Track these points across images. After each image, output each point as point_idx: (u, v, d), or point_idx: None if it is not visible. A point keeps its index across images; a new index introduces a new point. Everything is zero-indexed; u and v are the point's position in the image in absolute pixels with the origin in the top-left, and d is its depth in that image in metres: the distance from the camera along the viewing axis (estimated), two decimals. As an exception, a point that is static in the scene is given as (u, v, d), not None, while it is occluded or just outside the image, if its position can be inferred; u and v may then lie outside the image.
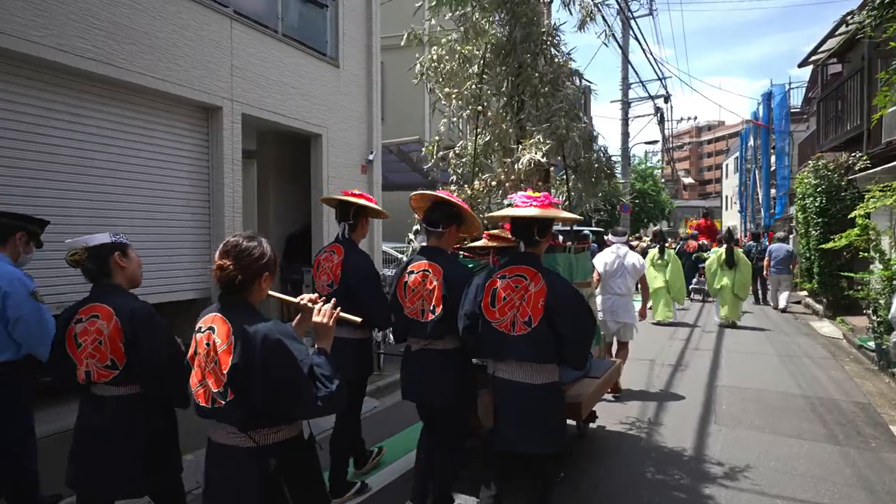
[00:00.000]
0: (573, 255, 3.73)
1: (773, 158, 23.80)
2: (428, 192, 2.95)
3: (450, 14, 4.08)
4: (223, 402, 1.71)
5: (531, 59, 3.96)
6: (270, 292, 1.94)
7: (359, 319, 2.07)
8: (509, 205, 2.79)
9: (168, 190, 5.35)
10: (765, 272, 11.96)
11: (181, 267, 5.52)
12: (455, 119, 4.36)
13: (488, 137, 4.07)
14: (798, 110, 22.97)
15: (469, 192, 3.92)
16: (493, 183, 3.95)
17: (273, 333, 1.71)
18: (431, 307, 2.74)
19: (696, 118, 47.82)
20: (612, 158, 4.62)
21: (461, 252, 3.65)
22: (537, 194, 2.64)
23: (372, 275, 3.19)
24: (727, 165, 45.24)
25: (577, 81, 4.24)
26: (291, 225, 7.63)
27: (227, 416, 1.74)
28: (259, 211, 7.74)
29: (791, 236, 14.73)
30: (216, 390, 1.72)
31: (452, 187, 4.03)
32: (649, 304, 8.06)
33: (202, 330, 1.80)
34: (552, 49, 4.09)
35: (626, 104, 20.11)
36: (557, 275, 2.59)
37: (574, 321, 2.43)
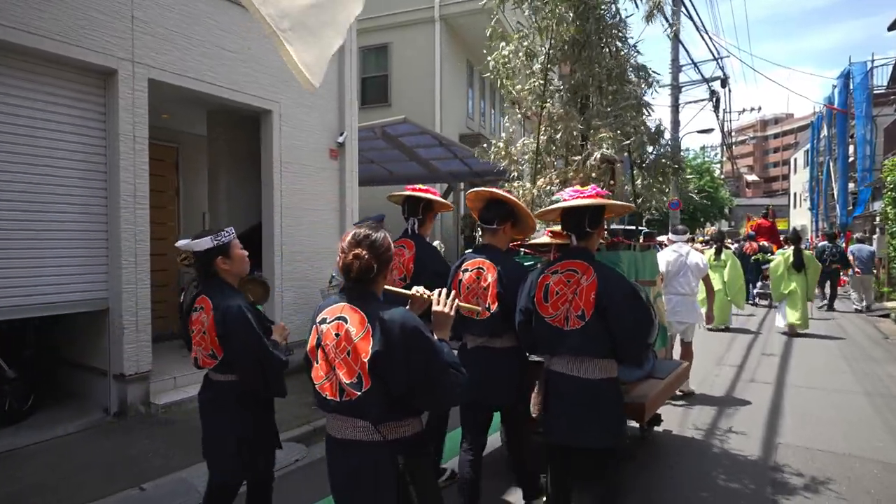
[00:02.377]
0: (638, 252, 3.61)
1: (851, 148, 20.94)
2: (483, 189, 2.95)
3: (526, 8, 4.01)
4: (357, 393, 1.68)
5: (598, 53, 3.92)
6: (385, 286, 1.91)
7: (479, 308, 2.44)
8: (556, 201, 2.73)
9: (47, 175, 4.23)
10: (855, 272, 11.63)
11: (68, 272, 4.38)
12: (520, 116, 4.32)
13: (555, 134, 3.97)
14: (883, 91, 20.00)
15: (534, 191, 3.89)
16: (558, 181, 3.88)
17: (410, 320, 1.70)
18: (486, 304, 2.73)
19: (759, 108, 43.96)
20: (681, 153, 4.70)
21: (522, 249, 3.61)
22: (585, 188, 2.64)
23: (445, 270, 3.11)
24: (796, 159, 41.45)
25: (644, 76, 4.12)
26: (248, 221, 6.42)
27: (361, 409, 1.70)
28: (210, 205, 6.58)
29: (875, 237, 12.80)
30: (348, 381, 1.69)
31: (515, 184, 4.03)
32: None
33: (327, 321, 1.78)
34: (617, 42, 4.01)
35: (675, 89, 17.94)
36: (611, 268, 2.54)
37: (626, 316, 2.38)
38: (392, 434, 1.73)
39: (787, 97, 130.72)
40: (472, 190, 2.97)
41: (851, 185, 20.98)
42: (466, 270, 2.86)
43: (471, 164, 9.40)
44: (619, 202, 2.67)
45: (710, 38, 21.97)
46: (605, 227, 3.06)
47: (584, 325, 2.37)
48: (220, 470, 2.40)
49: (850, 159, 20.86)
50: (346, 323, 1.73)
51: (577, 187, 2.67)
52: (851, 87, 19.90)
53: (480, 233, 3.04)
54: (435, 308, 1.88)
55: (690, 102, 20.23)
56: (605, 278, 2.40)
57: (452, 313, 1.88)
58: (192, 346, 2.39)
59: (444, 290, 1.93)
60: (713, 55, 16.90)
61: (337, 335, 1.73)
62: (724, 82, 19.25)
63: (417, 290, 1.95)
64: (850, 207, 20.60)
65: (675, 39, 17.65)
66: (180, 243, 2.38)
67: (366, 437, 1.73)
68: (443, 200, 3.26)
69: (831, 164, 23.47)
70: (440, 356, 1.70)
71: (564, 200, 2.57)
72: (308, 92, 6.32)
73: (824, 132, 25.12)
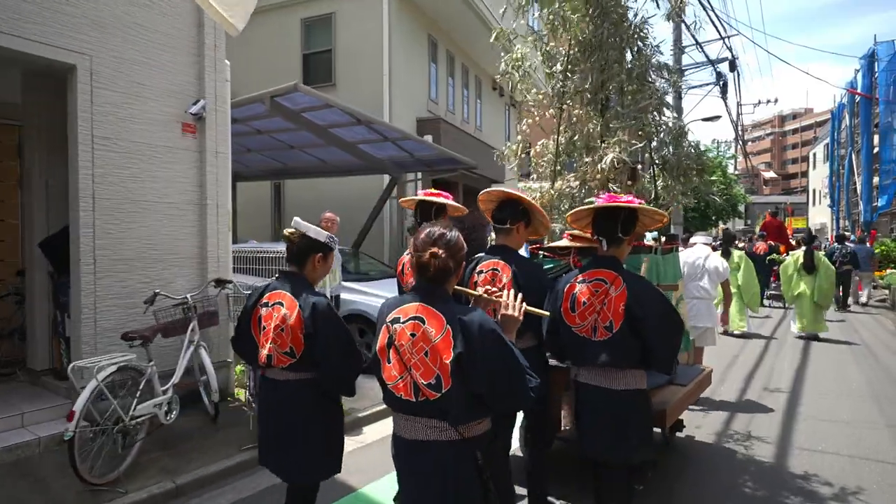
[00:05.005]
0: (660, 256, 3.55)
1: (876, 138, 18.97)
2: (495, 189, 2.97)
3: (538, 13, 4.14)
4: (436, 394, 1.68)
5: (618, 54, 3.93)
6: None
7: (546, 313, 2.22)
8: (590, 203, 2.76)
9: None
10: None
11: None
12: (538, 119, 4.33)
13: (572, 136, 4.06)
14: (912, 72, 17.97)
15: (552, 192, 3.93)
16: (576, 183, 3.95)
17: (488, 322, 1.71)
18: None
19: (776, 101, 41.87)
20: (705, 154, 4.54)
21: (541, 252, 3.59)
22: (622, 194, 2.75)
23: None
24: (815, 154, 39.23)
25: (666, 75, 4.19)
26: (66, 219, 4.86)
27: (439, 409, 1.70)
28: (24, 197, 5.05)
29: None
30: (426, 382, 1.69)
31: (534, 185, 4.11)
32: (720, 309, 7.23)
33: (401, 321, 1.77)
34: (639, 43, 4.02)
35: (678, 72, 16.09)
36: (640, 277, 2.57)
37: (658, 326, 2.35)
38: (469, 432, 1.73)
39: (806, 91, 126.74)
40: (484, 191, 2.97)
41: (876, 179, 19.00)
42: (481, 272, 2.86)
43: (410, 148, 7.76)
44: (653, 209, 2.64)
45: (717, 15, 20.07)
46: None
47: (612, 336, 2.36)
48: (304, 471, 2.32)
49: (875, 150, 18.90)
50: (424, 324, 1.72)
51: (612, 193, 2.72)
52: (877, 69, 17.97)
53: (494, 234, 3.05)
54: (504, 312, 1.88)
55: (695, 87, 18.34)
56: (634, 288, 2.38)
57: (521, 317, 1.88)
58: (261, 342, 2.29)
59: (512, 293, 1.92)
60: (719, 34, 15.07)
61: (413, 335, 1.73)
62: (733, 65, 17.35)
63: (486, 291, 1.97)
64: (875, 203, 18.62)
65: (678, 17, 15.87)
66: (297, 221, 2.37)
67: (443, 437, 1.72)
68: (455, 204, 3.18)
69: (853, 157, 21.49)
70: (518, 361, 1.70)
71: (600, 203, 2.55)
72: (145, 43, 4.81)
73: (846, 122, 23.10)
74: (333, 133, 7.12)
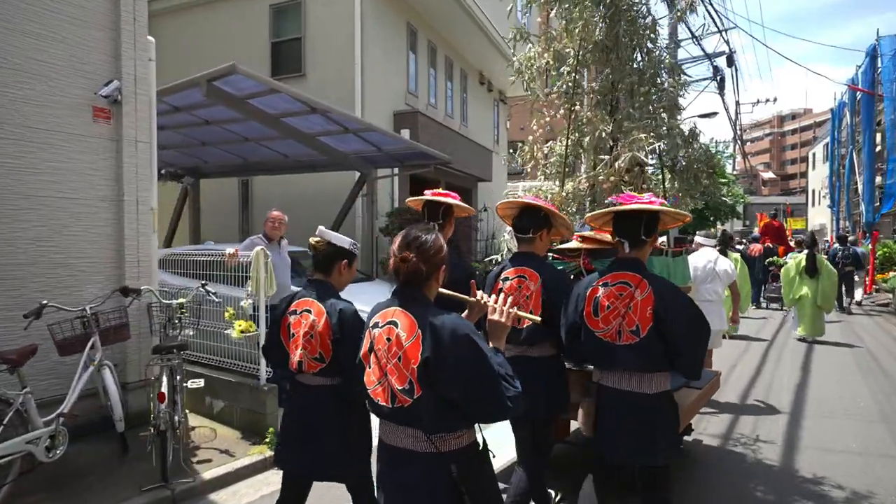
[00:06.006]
0: (671, 258, 3.56)
1: (878, 136, 18.35)
2: (515, 199, 2.99)
3: (553, 12, 4.12)
4: (409, 400, 1.67)
5: (629, 55, 3.93)
6: (440, 289, 1.87)
7: (538, 318, 2.14)
8: (610, 204, 2.67)
9: None
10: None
11: None
12: (548, 119, 4.41)
13: (580, 137, 4.07)
14: (916, 67, 17.31)
15: (562, 193, 3.94)
16: (586, 185, 3.95)
17: (461, 327, 1.68)
18: (528, 313, 2.48)
19: (775, 100, 41.46)
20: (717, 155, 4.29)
21: (551, 254, 3.51)
22: (642, 194, 2.64)
23: (461, 276, 2.80)
24: (814, 154, 38.68)
25: (677, 76, 4.18)
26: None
27: (412, 417, 1.68)
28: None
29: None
30: (400, 387, 1.69)
31: (543, 186, 4.15)
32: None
33: (380, 325, 1.77)
34: (649, 43, 4.02)
35: (679, 70, 15.42)
36: (666, 280, 2.48)
37: (686, 330, 2.31)
38: (445, 446, 1.70)
39: (806, 91, 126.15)
40: (503, 200, 2.98)
41: (878, 179, 18.37)
42: (507, 279, 2.83)
43: (376, 141, 7.12)
44: (676, 210, 2.53)
45: (716, 10, 19.44)
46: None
47: (638, 341, 2.32)
48: (326, 471, 2.37)
49: (877, 149, 18.28)
50: (397, 327, 1.72)
51: (632, 193, 2.69)
52: (880, 64, 17.33)
53: (515, 240, 3.07)
54: (491, 317, 1.84)
55: (690, 82, 17.70)
56: (661, 293, 2.32)
57: (509, 323, 1.83)
58: (291, 349, 2.36)
59: (501, 298, 1.88)
60: (717, 27, 14.46)
61: (388, 340, 1.73)
62: (731, 60, 16.72)
63: (479, 296, 1.93)
64: (878, 203, 17.98)
65: (672, 9, 15.24)
66: (322, 230, 2.48)
67: (418, 448, 1.71)
68: (462, 205, 3.06)
69: (854, 156, 20.85)
70: (491, 367, 1.64)
71: (621, 204, 2.45)
72: (39, 15, 4.15)
73: (846, 120, 22.47)
74: (287, 123, 6.46)
